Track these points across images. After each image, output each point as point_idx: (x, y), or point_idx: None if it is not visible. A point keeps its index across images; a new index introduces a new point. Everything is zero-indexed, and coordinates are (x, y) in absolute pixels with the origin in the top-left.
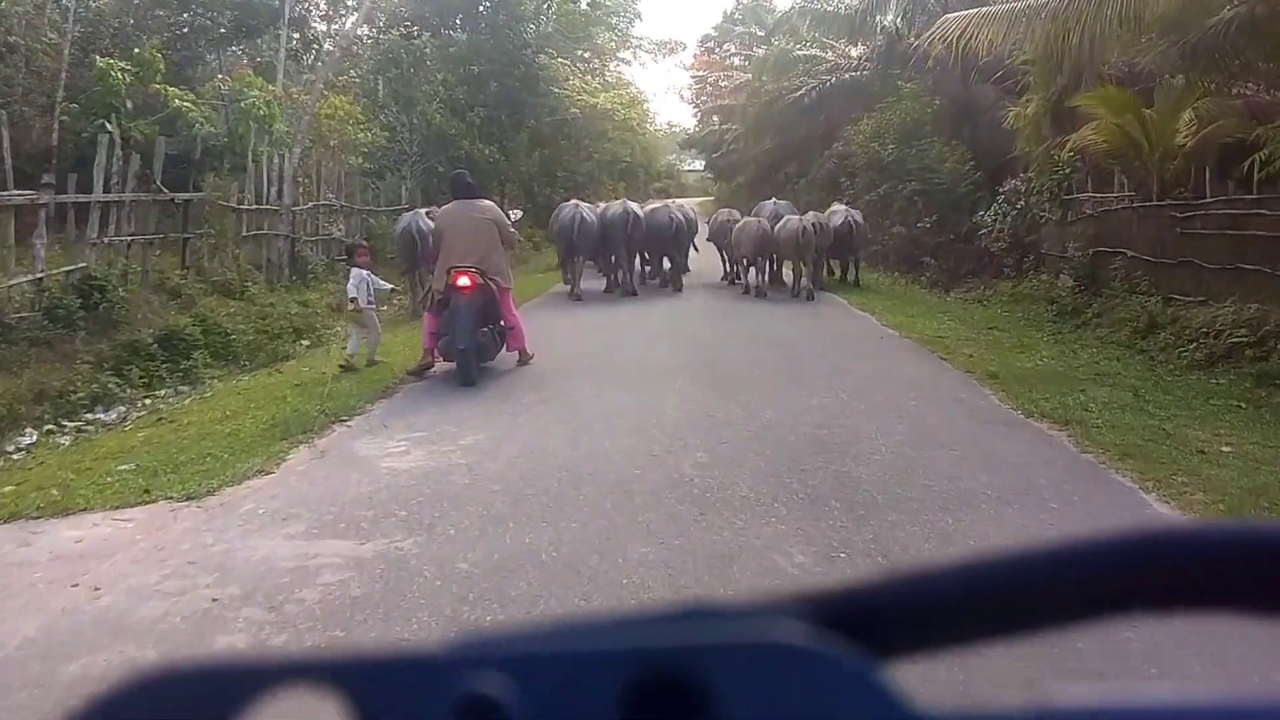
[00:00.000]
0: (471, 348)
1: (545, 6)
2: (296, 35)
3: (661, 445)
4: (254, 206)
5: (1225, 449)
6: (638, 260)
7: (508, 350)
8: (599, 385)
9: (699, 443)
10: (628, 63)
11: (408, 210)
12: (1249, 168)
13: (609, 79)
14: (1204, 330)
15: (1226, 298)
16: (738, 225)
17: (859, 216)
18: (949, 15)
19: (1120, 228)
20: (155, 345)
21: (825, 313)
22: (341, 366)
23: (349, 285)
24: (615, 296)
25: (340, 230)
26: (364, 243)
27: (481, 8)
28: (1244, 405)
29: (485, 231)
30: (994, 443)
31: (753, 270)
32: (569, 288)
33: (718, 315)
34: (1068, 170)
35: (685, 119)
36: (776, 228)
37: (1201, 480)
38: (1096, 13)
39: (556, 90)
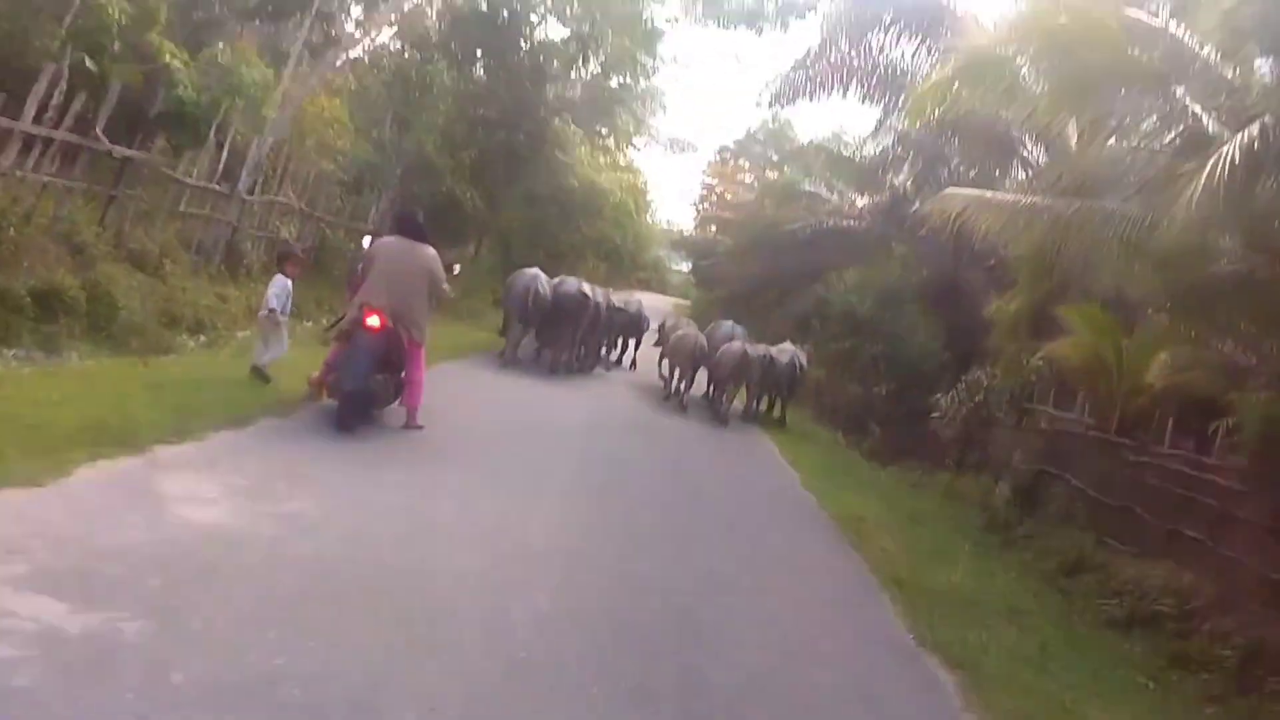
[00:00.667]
0: (359, 392)
1: (574, 75)
2: (324, 28)
3: (498, 576)
4: (200, 183)
5: None
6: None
7: (400, 404)
8: (472, 472)
9: (541, 585)
10: (638, 150)
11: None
12: (1214, 431)
13: (619, 160)
14: (1129, 586)
15: (1162, 557)
16: (676, 334)
17: (804, 359)
18: (953, 189)
19: (1070, 451)
20: (27, 299)
21: (747, 453)
22: (254, 371)
23: (269, 292)
24: (546, 372)
25: (291, 233)
26: (298, 251)
27: (512, 57)
28: (1152, 686)
29: (417, 278)
30: (873, 676)
31: (682, 381)
32: (502, 352)
33: (634, 420)
34: (1032, 377)
35: (684, 220)
36: (721, 349)
37: None
38: (1098, 229)
39: (560, 156)
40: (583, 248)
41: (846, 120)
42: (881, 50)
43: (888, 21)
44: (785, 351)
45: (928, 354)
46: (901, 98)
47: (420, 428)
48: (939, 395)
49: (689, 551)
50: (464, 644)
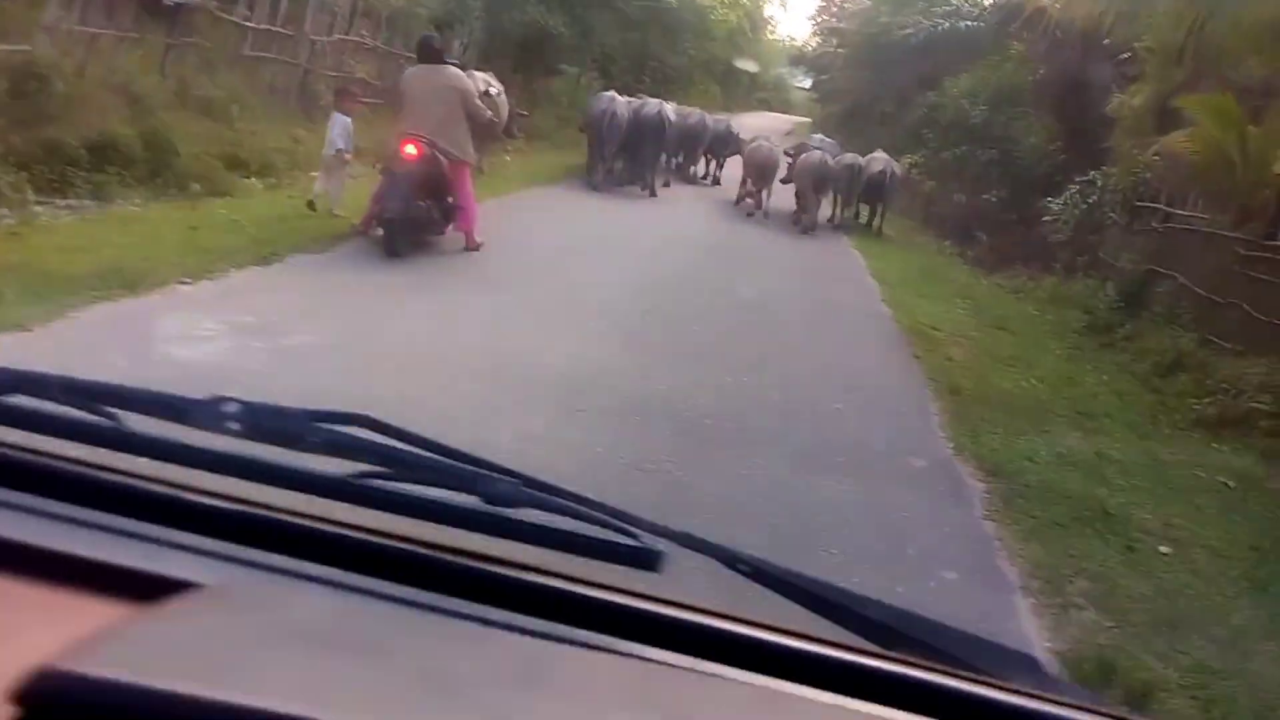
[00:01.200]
0: (401, 218)
1: None
2: None
3: (495, 405)
4: (263, 26)
5: (1164, 549)
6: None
7: (455, 230)
8: (513, 294)
9: (543, 412)
10: None
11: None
12: None
13: None
14: (1225, 384)
15: (1267, 354)
16: (749, 147)
17: (896, 167)
18: None
19: (1183, 249)
20: (82, 150)
21: (828, 266)
22: (309, 204)
23: (332, 132)
24: (635, 194)
25: (369, 72)
26: (355, 89)
27: None
28: (1232, 485)
29: (446, 100)
30: (892, 488)
31: (764, 193)
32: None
33: (711, 236)
34: (1147, 174)
35: (804, 34)
36: (800, 159)
37: (1100, 595)
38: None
39: None
40: (692, 71)
41: None
42: None
43: None
44: (877, 160)
45: (1042, 157)
46: None
47: (478, 246)
48: (1052, 199)
49: (726, 371)
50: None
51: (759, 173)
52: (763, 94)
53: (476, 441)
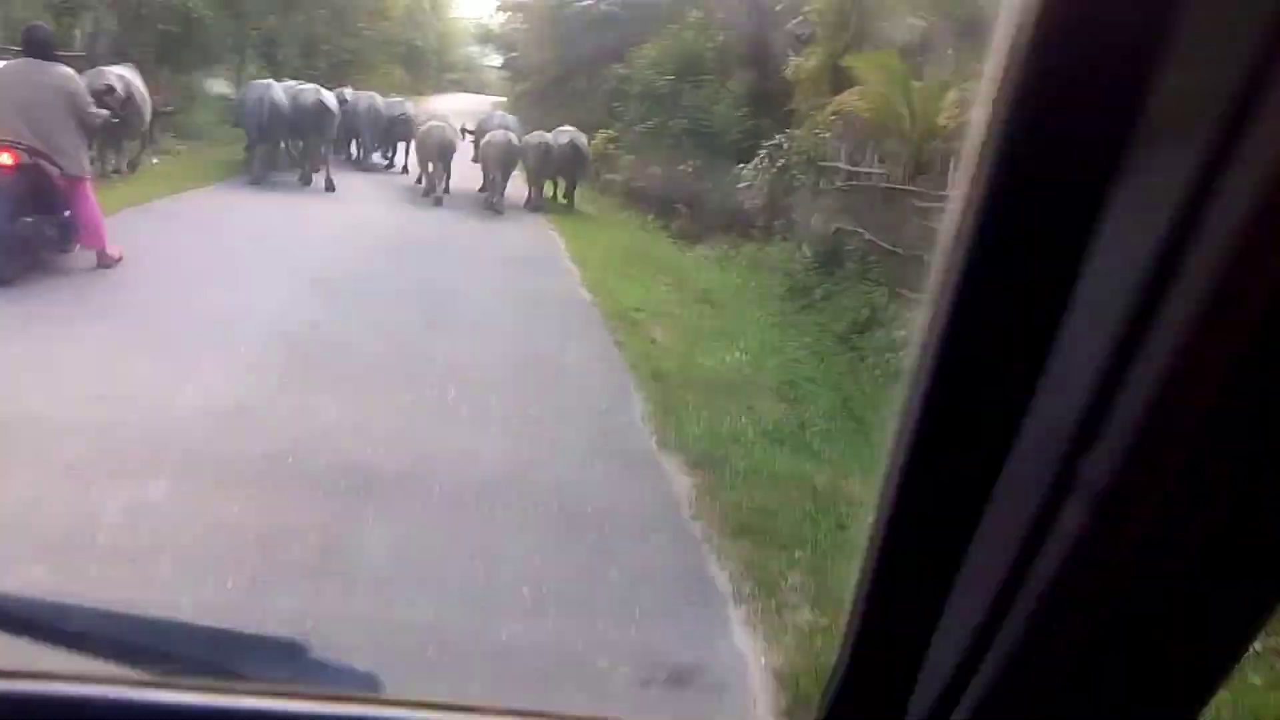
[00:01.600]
0: (1, 239)
1: None
2: None
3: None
4: None
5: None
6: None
7: (83, 248)
8: (161, 310)
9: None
10: None
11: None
12: None
13: None
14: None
15: None
16: (422, 129)
17: (583, 141)
18: None
19: (864, 206)
20: None
21: (523, 251)
22: None
23: None
24: (305, 188)
25: None
26: None
27: None
28: None
29: (50, 103)
30: (597, 491)
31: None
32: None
33: (388, 226)
34: (827, 135)
35: (490, 11)
36: (485, 139)
37: (815, 589)
38: None
39: None
40: (370, 54)
41: None
42: None
43: None
44: (563, 133)
45: (731, 123)
46: None
47: (113, 261)
48: (744, 165)
49: (405, 388)
50: None
51: (438, 154)
52: (454, 74)
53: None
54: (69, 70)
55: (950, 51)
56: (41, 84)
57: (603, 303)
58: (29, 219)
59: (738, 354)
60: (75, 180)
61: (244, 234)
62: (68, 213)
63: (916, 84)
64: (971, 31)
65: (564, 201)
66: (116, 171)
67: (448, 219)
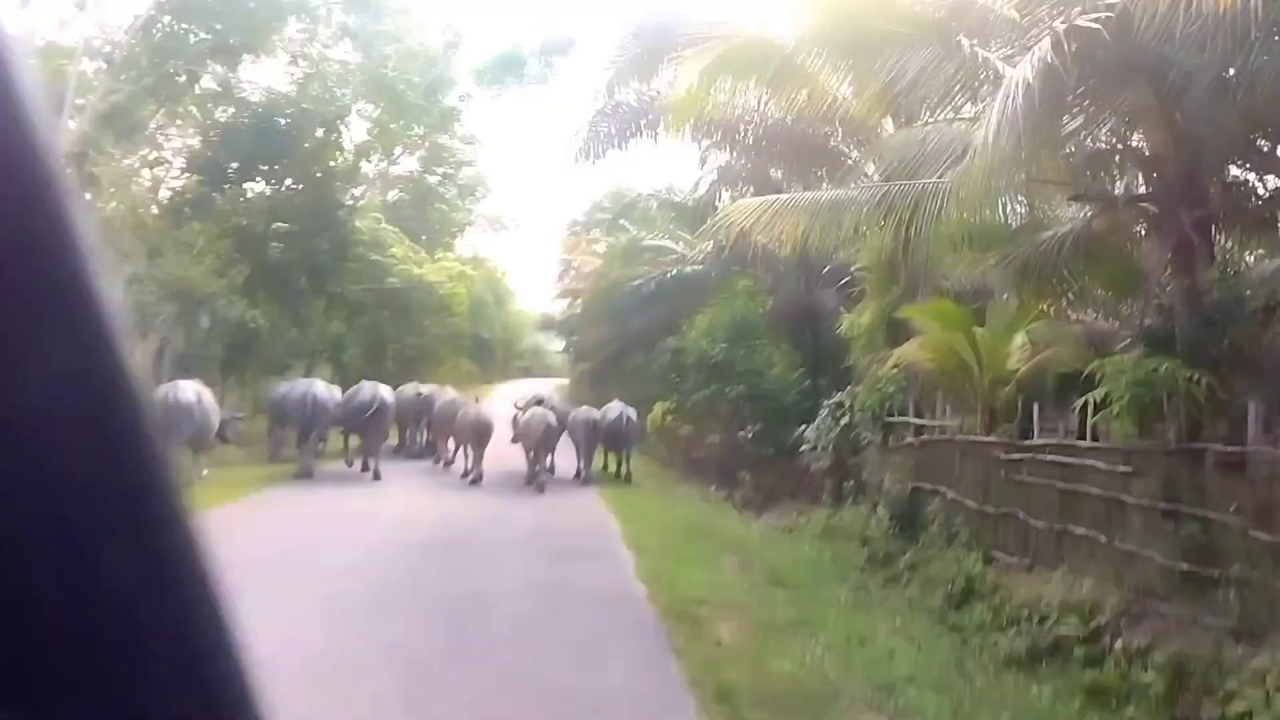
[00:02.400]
0: None
1: (374, 170)
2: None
3: None
4: None
5: None
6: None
7: None
8: None
9: None
10: (458, 238)
11: None
12: (1083, 407)
13: (453, 253)
14: (1026, 610)
15: (1055, 564)
16: (460, 414)
17: (632, 414)
18: (742, 201)
19: (942, 461)
20: None
21: (576, 537)
22: None
23: None
24: (356, 477)
25: None
26: None
27: (298, 166)
28: None
29: None
30: None
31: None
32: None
33: (428, 514)
34: (891, 388)
35: (549, 301)
36: (525, 418)
37: None
38: (912, 210)
39: (375, 257)
40: (437, 349)
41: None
42: (675, 81)
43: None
44: (612, 409)
45: (788, 385)
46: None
47: None
48: (805, 427)
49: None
50: None
51: (473, 438)
52: (521, 362)
53: None
54: None
55: (1006, 296)
56: None
57: (659, 596)
58: None
59: (819, 650)
60: None
61: (284, 544)
62: None
63: (979, 330)
64: (1027, 272)
65: (619, 473)
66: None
67: (487, 502)
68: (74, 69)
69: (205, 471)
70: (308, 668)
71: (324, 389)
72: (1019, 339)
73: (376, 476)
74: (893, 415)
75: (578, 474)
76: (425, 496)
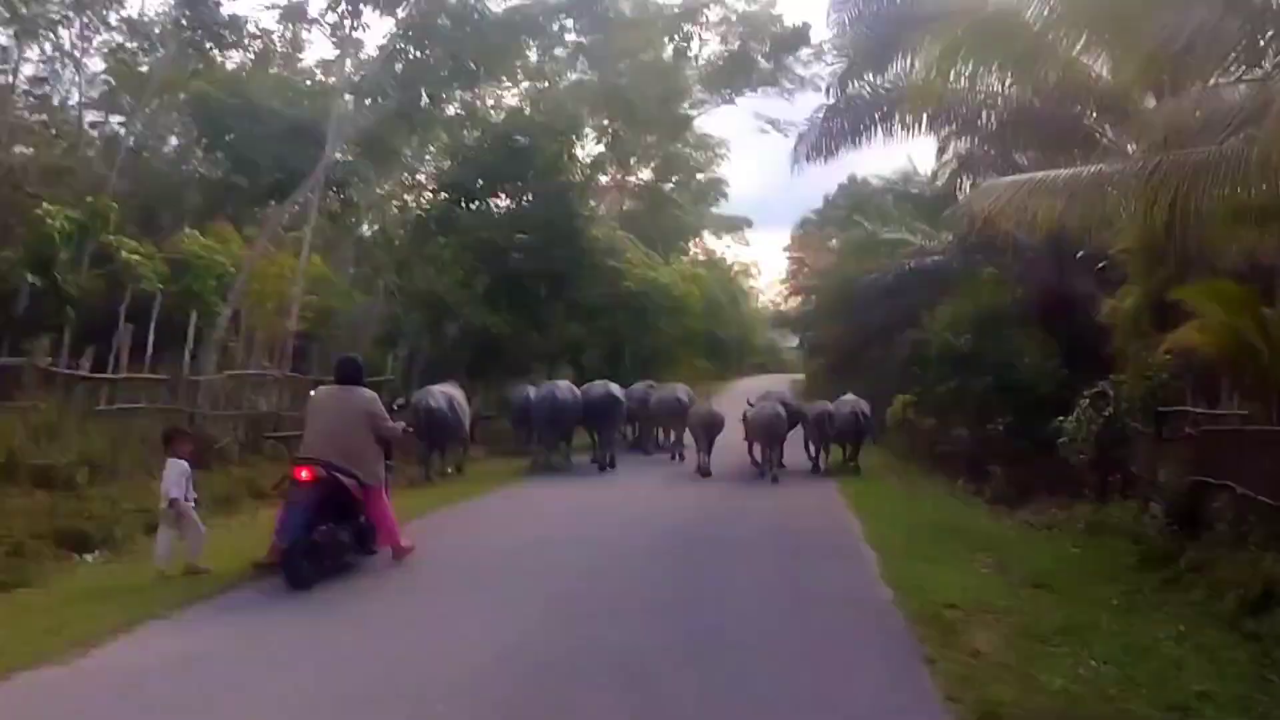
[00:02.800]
0: (297, 546)
1: (609, 179)
2: (337, 194)
3: None
4: (123, 375)
5: None
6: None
7: (379, 547)
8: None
9: None
10: (694, 242)
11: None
12: None
13: (692, 255)
14: None
15: None
16: (691, 410)
17: (866, 407)
18: (991, 181)
19: (1229, 454)
20: None
21: (814, 535)
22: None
23: (165, 481)
24: (594, 472)
25: (274, 403)
26: (185, 429)
27: (537, 180)
28: None
29: (353, 422)
30: None
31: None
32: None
33: (656, 510)
34: (1164, 376)
35: (783, 299)
36: (750, 413)
37: None
38: (1193, 182)
39: (611, 263)
40: (673, 348)
41: (921, 156)
42: (910, 70)
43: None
44: (845, 403)
45: (1042, 375)
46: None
47: (407, 553)
48: (1063, 418)
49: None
50: None
51: (702, 432)
52: (757, 359)
53: None
54: (370, 393)
55: None
56: (343, 407)
57: (906, 600)
58: (324, 527)
59: (1094, 663)
60: (371, 489)
61: (530, 528)
62: (362, 519)
63: (1268, 312)
64: None
65: (851, 466)
66: (442, 474)
67: (717, 494)
68: (337, 104)
69: (451, 470)
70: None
71: (566, 389)
72: None
73: (612, 466)
74: (1166, 405)
75: (814, 467)
76: (659, 488)
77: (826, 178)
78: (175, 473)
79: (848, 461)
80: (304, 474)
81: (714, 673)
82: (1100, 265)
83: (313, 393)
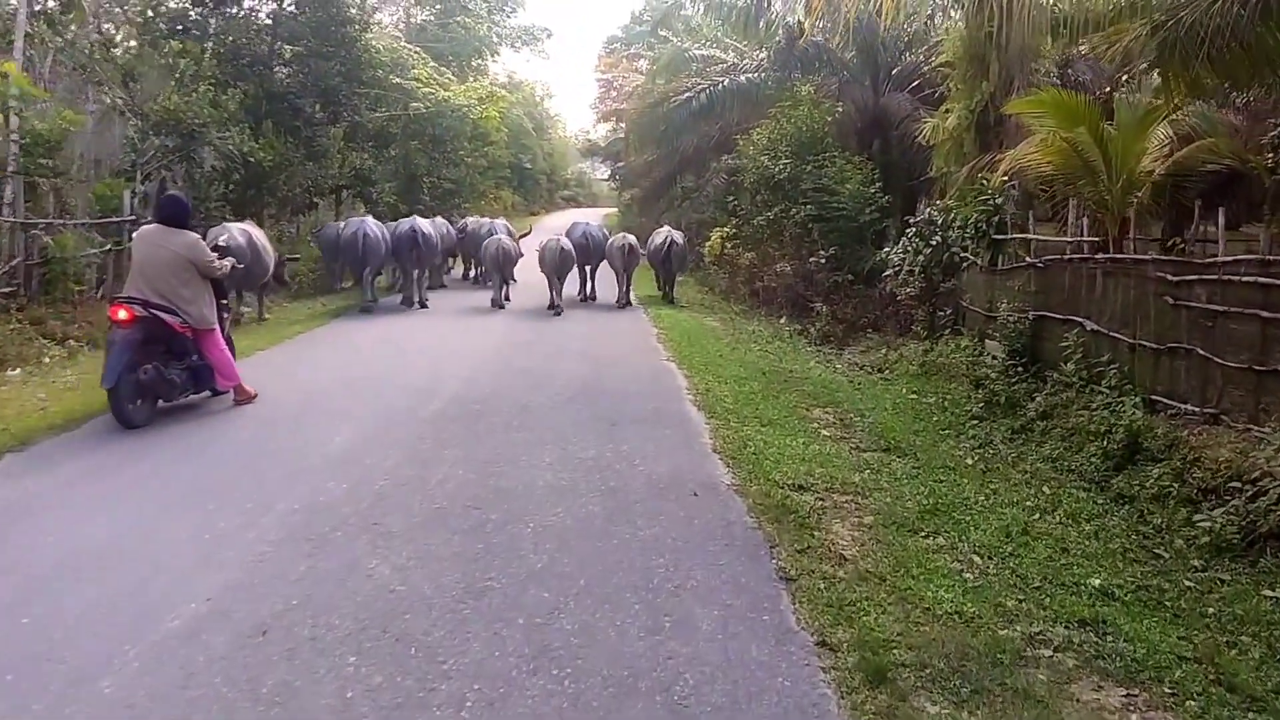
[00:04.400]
0: (124, 386)
1: None
2: None
3: None
4: None
5: None
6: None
7: (219, 389)
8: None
9: None
10: (492, 57)
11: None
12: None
13: (494, 78)
14: (1227, 477)
15: (1254, 415)
16: (487, 243)
17: (679, 237)
18: None
19: (1076, 285)
20: None
21: (632, 384)
22: None
23: None
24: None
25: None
26: None
27: None
28: None
29: (174, 264)
30: None
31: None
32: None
33: (467, 351)
34: (998, 199)
35: (592, 126)
36: (543, 245)
37: None
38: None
39: (398, 80)
40: (475, 180)
41: None
42: None
43: None
44: (660, 234)
45: (865, 202)
46: None
47: (250, 398)
48: (888, 249)
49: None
50: None
51: (495, 265)
52: (567, 191)
53: None
54: (193, 236)
55: (1132, 80)
56: (166, 248)
57: (747, 483)
58: (149, 367)
59: (976, 559)
60: (203, 331)
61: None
62: (195, 358)
63: (1107, 126)
64: (1183, 44)
65: (665, 296)
66: (259, 319)
67: (525, 330)
68: None
69: (267, 316)
70: None
71: (374, 226)
72: (1160, 132)
73: (423, 305)
74: (1002, 231)
75: (618, 300)
76: (462, 319)
77: None
78: None
79: (661, 292)
80: (121, 314)
81: (507, 626)
82: (914, 83)
83: (134, 233)
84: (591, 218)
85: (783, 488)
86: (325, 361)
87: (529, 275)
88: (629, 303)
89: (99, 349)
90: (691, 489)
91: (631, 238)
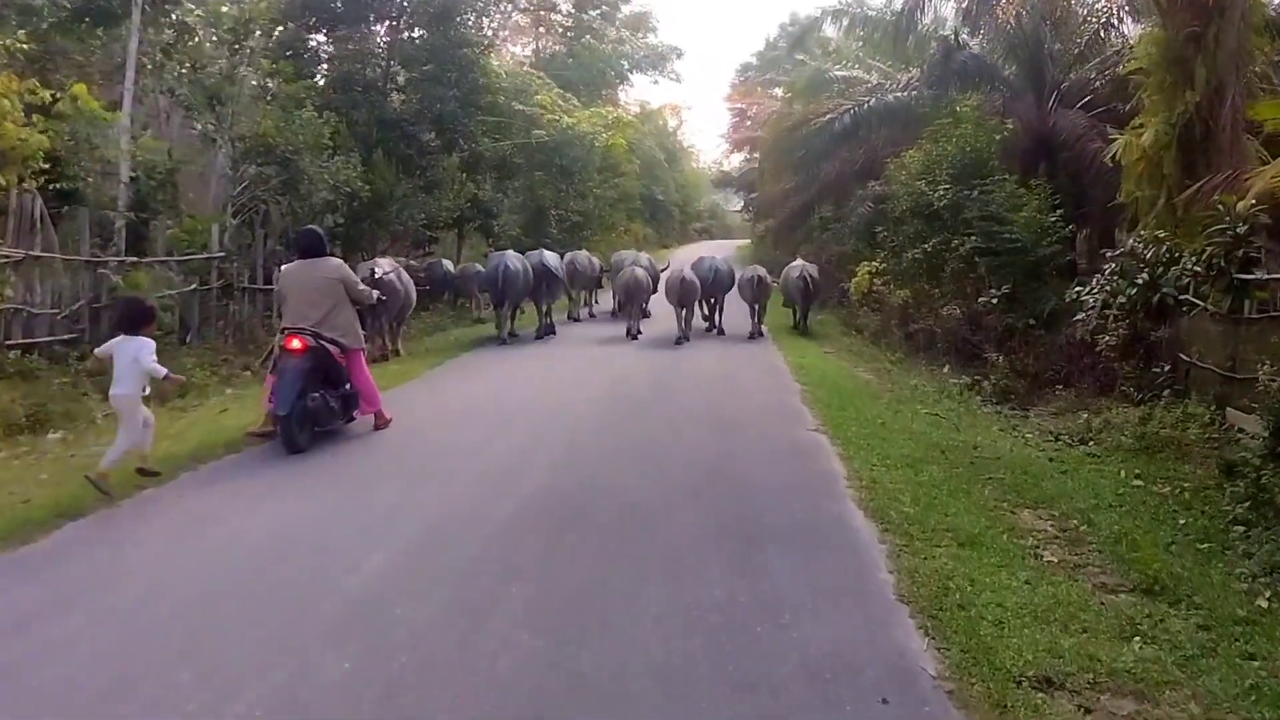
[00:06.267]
0: (295, 413)
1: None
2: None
3: None
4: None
5: None
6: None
7: (361, 415)
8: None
9: None
10: (622, 83)
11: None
12: None
13: (625, 106)
14: None
15: None
16: (617, 275)
17: (814, 271)
18: None
19: None
20: None
21: (765, 470)
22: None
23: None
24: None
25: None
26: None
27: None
28: None
29: (328, 291)
30: None
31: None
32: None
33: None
34: (1240, 229)
35: (730, 156)
36: (667, 276)
37: None
38: None
39: (518, 106)
40: (605, 213)
41: None
42: None
43: None
44: (794, 267)
45: (1043, 232)
46: None
47: (388, 423)
48: (1077, 289)
49: None
50: None
51: (627, 296)
52: (699, 224)
53: None
54: (337, 261)
55: None
56: (318, 276)
57: (963, 672)
58: (315, 395)
59: None
60: (353, 354)
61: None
62: (348, 385)
63: None
64: None
65: (798, 328)
66: (396, 352)
67: (635, 370)
68: None
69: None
70: None
71: (516, 259)
72: None
73: (551, 333)
74: (1250, 270)
75: (750, 333)
76: (583, 367)
77: (768, 20)
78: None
79: (795, 328)
80: (295, 343)
81: None
82: (1084, 99)
83: (279, 270)
84: (723, 250)
85: (1020, 684)
86: (402, 435)
87: (662, 307)
88: (760, 334)
89: (178, 408)
90: (876, 687)
91: (762, 269)
